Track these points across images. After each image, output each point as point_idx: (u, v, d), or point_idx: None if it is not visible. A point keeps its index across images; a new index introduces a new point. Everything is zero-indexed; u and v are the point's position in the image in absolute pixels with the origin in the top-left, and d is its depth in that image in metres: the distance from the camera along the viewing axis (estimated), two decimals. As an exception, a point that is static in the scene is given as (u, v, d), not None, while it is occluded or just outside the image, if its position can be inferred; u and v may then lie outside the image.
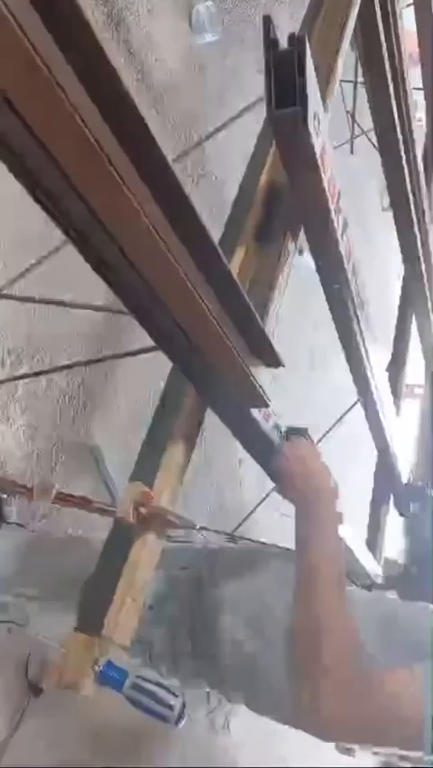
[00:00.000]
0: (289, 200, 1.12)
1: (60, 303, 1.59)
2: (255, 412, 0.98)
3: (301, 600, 0.92)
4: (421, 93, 2.43)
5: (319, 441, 1.63)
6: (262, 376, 0.90)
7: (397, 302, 2.73)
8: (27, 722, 1.89)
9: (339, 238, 1.09)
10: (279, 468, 1.07)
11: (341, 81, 1.31)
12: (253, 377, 0.87)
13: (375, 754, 0.96)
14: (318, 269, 1.20)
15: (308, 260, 1.20)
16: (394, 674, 0.87)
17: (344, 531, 1.25)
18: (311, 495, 1.02)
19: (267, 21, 0.81)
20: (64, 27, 0.44)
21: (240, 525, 2.11)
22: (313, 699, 0.84)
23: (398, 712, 0.83)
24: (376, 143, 1.85)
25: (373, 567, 1.75)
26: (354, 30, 1.37)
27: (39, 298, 1.61)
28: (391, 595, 1.48)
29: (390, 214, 2.12)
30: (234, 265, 1.08)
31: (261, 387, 0.89)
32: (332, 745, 0.94)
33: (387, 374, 1.72)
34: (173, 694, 0.90)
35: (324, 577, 0.92)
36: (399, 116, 1.72)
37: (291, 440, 1.10)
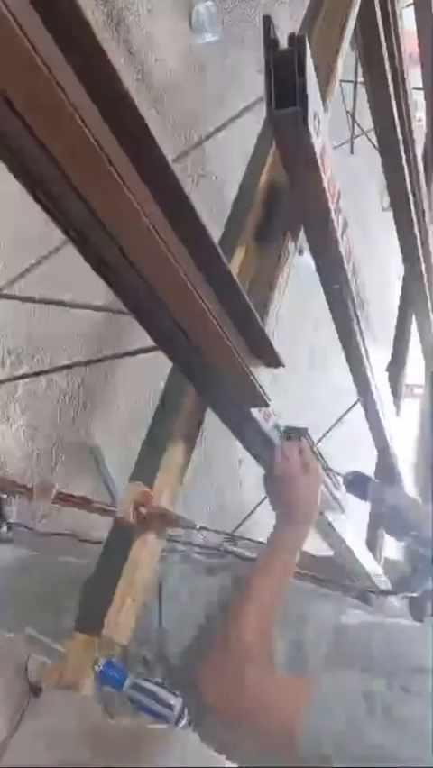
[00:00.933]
0: (289, 200, 1.12)
1: (60, 303, 1.59)
2: (255, 412, 0.98)
3: (245, 591, 0.98)
4: (421, 93, 2.44)
5: (319, 441, 1.63)
6: (262, 376, 0.90)
7: (397, 302, 2.74)
8: (27, 722, 1.89)
9: (339, 238, 1.09)
10: (275, 472, 1.07)
11: (341, 81, 1.31)
12: (253, 377, 0.87)
13: None
14: (318, 269, 1.20)
15: (308, 260, 1.20)
16: (290, 680, 0.91)
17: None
18: (298, 513, 1.05)
19: (267, 21, 0.81)
20: (64, 27, 0.44)
21: (240, 525, 2.12)
22: (208, 674, 0.90)
23: (277, 715, 0.84)
24: (376, 143, 1.85)
25: (373, 567, 1.74)
26: (354, 30, 1.37)
27: (39, 298, 1.61)
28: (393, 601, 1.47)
29: (390, 214, 2.12)
30: (234, 265, 1.08)
31: (261, 387, 0.89)
32: None
33: (387, 374, 1.72)
34: (173, 694, 0.90)
35: (271, 582, 0.99)
36: (399, 116, 1.72)
37: (289, 441, 1.10)
